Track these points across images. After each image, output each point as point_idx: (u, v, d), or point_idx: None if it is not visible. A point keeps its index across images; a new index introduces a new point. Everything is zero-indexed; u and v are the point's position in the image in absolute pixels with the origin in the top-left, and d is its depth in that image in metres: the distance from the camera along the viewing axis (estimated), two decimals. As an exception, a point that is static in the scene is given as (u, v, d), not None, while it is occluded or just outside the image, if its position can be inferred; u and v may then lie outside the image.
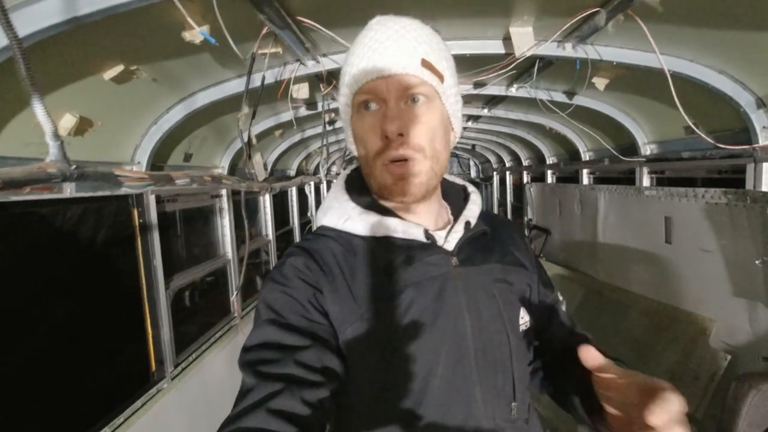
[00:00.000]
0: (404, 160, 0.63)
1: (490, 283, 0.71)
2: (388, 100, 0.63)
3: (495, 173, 6.64)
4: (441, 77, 0.65)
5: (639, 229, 2.75)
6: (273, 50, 1.58)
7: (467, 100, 3.30)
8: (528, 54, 1.68)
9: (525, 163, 5.18)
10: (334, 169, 6.86)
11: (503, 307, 0.70)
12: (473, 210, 0.78)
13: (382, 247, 0.68)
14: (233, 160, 2.91)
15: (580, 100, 2.65)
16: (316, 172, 5.45)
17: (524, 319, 0.74)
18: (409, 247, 0.68)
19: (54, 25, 0.97)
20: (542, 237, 4.43)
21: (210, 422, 2.29)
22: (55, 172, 0.70)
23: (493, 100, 3.21)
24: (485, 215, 0.81)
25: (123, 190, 1.74)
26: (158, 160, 2.10)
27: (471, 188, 0.84)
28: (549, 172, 4.41)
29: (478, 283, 0.69)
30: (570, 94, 2.65)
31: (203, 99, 1.90)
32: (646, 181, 2.75)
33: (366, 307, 0.63)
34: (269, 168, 3.73)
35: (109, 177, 1.00)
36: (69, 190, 1.54)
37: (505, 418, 0.66)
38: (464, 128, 4.65)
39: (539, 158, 4.65)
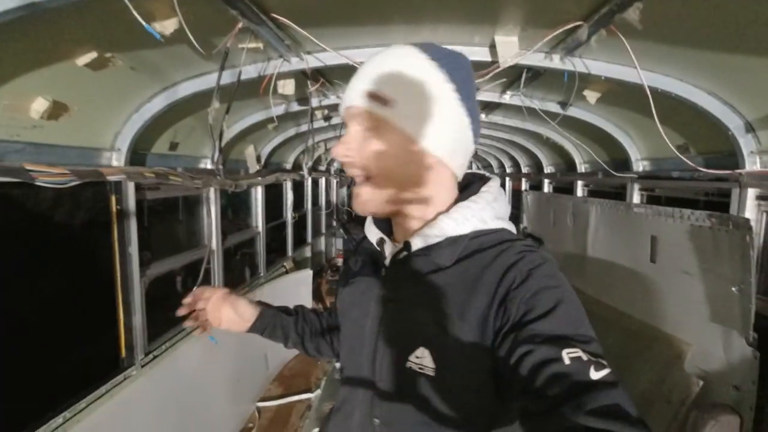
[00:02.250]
0: (359, 178, 0.73)
1: (393, 303, 0.74)
2: (348, 127, 0.73)
3: (495, 178, 6.58)
4: (386, 102, 0.68)
5: (626, 246, 2.71)
6: (253, 45, 1.57)
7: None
8: (511, 63, 1.65)
9: (524, 170, 5.13)
10: (335, 166, 6.86)
11: (388, 332, 0.72)
12: (423, 234, 0.72)
13: (365, 244, 0.86)
14: (223, 152, 2.91)
15: (574, 111, 2.62)
16: (315, 166, 5.43)
17: (421, 360, 0.67)
18: (371, 249, 0.83)
19: (10, 10, 0.96)
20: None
21: (178, 413, 2.30)
22: None
23: (488, 106, 3.18)
24: (479, 241, 0.70)
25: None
26: (141, 147, 2.10)
27: (454, 212, 0.72)
28: (546, 181, 4.37)
29: (386, 299, 0.75)
30: (564, 105, 2.62)
31: (186, 89, 1.89)
32: (636, 198, 2.71)
33: (341, 283, 0.90)
34: (263, 160, 3.73)
35: (18, 172, 0.98)
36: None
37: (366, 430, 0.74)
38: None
39: (538, 166, 4.62)
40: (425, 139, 0.70)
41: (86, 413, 1.74)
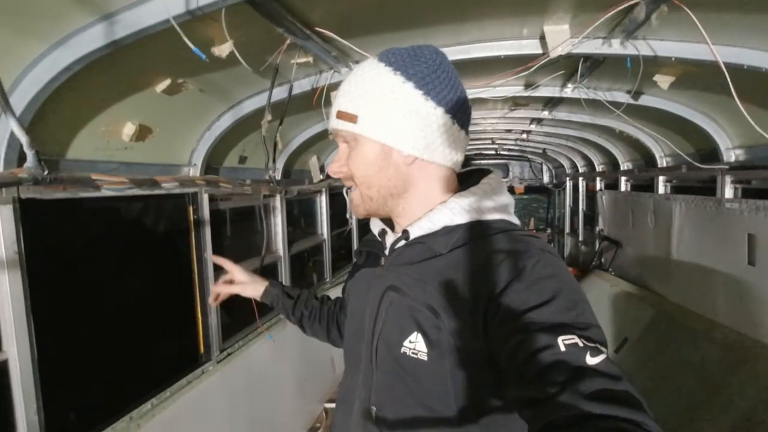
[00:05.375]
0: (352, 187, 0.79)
1: (391, 291, 0.75)
2: (339, 145, 0.79)
3: (568, 179, 6.20)
4: (353, 118, 0.72)
5: (718, 247, 2.40)
6: (303, 60, 1.67)
7: (523, 102, 3.15)
8: (562, 53, 1.56)
9: (598, 168, 4.77)
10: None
11: (385, 318, 0.74)
12: (421, 223, 0.74)
13: (367, 237, 0.91)
14: (287, 164, 3.11)
15: (647, 100, 2.39)
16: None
17: (415, 345, 0.69)
18: (375, 240, 0.87)
19: (98, 49, 1.14)
20: (612, 250, 4.04)
21: (249, 406, 2.47)
22: (26, 177, 0.82)
23: (550, 102, 3.02)
24: (477, 230, 0.71)
25: (175, 190, 1.97)
26: (214, 161, 2.33)
27: (451, 203, 0.74)
28: (623, 179, 4.02)
29: (383, 287, 0.76)
30: (636, 94, 2.40)
31: (249, 107, 2.06)
32: (728, 192, 2.38)
33: (349, 278, 0.94)
34: (326, 170, 3.91)
35: (86, 181, 1.14)
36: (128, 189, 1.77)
37: (365, 418, 0.75)
38: (528, 132, 4.44)
39: (613, 164, 4.26)
40: (394, 141, 0.73)
41: (171, 401, 1.95)
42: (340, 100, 0.74)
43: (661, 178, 3.20)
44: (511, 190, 7.52)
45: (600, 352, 0.52)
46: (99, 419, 1.66)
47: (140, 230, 1.96)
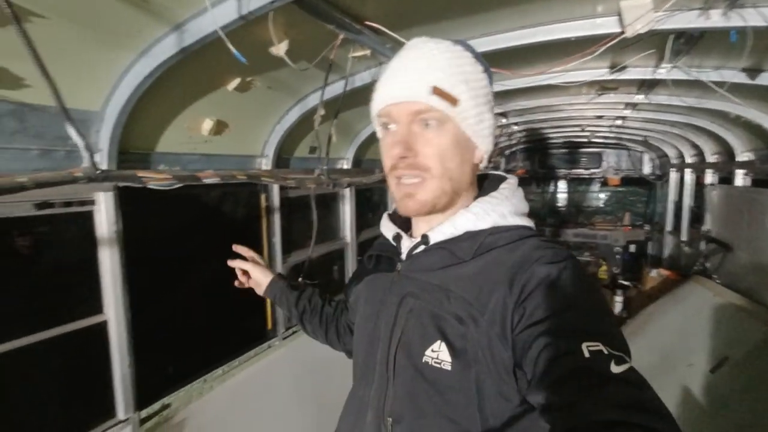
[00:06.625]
0: (413, 178, 0.70)
1: (410, 297, 0.72)
2: (399, 124, 0.69)
3: (672, 170, 5.44)
4: (454, 101, 0.68)
5: None
6: (360, 53, 1.70)
7: (612, 85, 2.83)
8: (642, 31, 1.37)
9: (710, 158, 4.10)
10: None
11: (404, 326, 0.71)
12: (443, 227, 0.73)
13: (380, 241, 0.86)
14: (357, 153, 3.19)
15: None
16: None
17: (438, 354, 0.66)
18: (388, 245, 0.82)
19: (172, 56, 1.28)
20: (720, 254, 3.48)
21: (312, 383, 2.64)
22: (80, 176, 0.95)
23: (645, 84, 2.67)
24: (498, 236, 0.69)
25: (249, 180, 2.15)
26: (285, 152, 2.48)
27: (474, 207, 0.72)
28: (740, 172, 3.41)
29: (401, 293, 0.73)
30: (752, 72, 2.02)
31: (315, 100, 2.15)
32: None
33: (355, 282, 0.91)
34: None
35: (132, 178, 1.27)
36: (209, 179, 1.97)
37: (379, 430, 0.71)
38: (623, 118, 3.99)
39: (729, 153, 3.63)
40: (479, 138, 0.73)
41: (239, 369, 2.17)
42: (437, 75, 0.67)
43: (788, 172, 2.66)
44: (605, 181, 6.84)
45: (624, 361, 0.51)
46: (179, 378, 1.91)
47: (218, 215, 2.19)
